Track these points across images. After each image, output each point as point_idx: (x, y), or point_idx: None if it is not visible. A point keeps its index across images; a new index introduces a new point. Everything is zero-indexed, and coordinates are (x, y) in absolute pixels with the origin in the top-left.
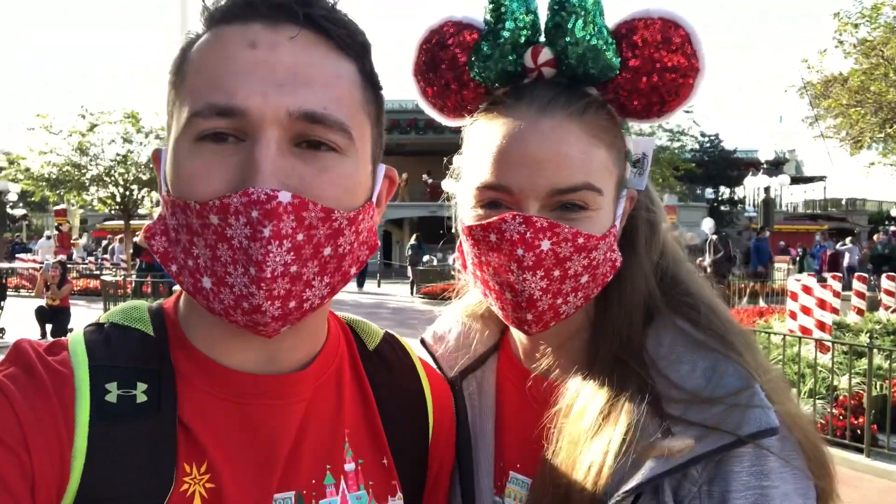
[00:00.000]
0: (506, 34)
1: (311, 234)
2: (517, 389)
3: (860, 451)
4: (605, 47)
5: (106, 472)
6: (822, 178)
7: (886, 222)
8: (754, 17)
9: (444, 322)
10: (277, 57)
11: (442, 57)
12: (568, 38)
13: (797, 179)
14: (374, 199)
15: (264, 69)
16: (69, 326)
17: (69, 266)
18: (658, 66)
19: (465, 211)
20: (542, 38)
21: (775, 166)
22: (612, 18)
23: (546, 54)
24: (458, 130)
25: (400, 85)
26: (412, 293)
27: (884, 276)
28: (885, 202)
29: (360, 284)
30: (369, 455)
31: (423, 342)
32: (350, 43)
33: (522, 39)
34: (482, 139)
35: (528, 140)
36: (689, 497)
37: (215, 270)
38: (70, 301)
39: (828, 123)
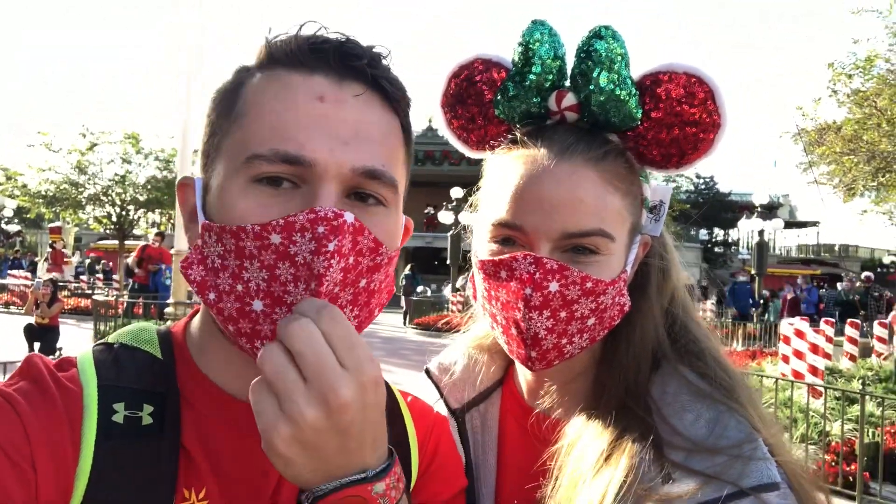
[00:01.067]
0: (532, 77)
1: (359, 261)
2: (519, 426)
3: (852, 498)
4: (627, 97)
5: (107, 492)
6: (815, 224)
7: (878, 269)
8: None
9: (451, 353)
10: (343, 114)
11: (469, 92)
12: (592, 86)
13: (791, 224)
14: (399, 246)
15: (331, 124)
16: (58, 346)
17: (60, 284)
18: (679, 120)
19: (480, 244)
20: (568, 83)
21: (769, 210)
22: (639, 69)
23: (570, 99)
24: (456, 163)
25: None
26: (405, 323)
27: (875, 323)
28: (878, 249)
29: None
30: None
31: (427, 372)
32: (400, 101)
33: (548, 83)
34: (501, 176)
35: (545, 183)
36: None
37: (271, 290)
38: (60, 320)
39: (821, 170)
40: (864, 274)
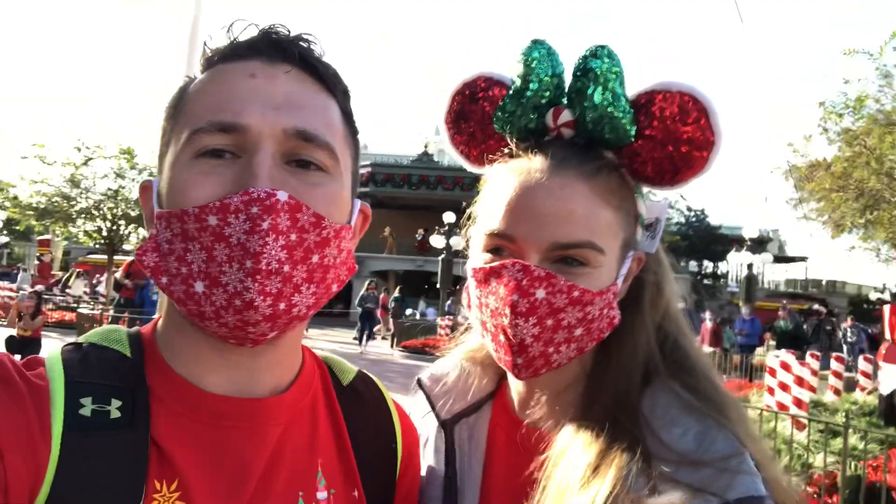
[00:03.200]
0: (529, 94)
1: (303, 238)
2: (508, 437)
3: None
4: (621, 115)
5: (76, 484)
6: (803, 259)
7: (865, 305)
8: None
9: (444, 364)
10: (274, 85)
11: (472, 109)
12: (587, 104)
13: (780, 259)
14: (352, 224)
15: (263, 94)
16: None
17: (45, 297)
18: (672, 138)
19: (474, 254)
20: (565, 101)
21: (759, 244)
22: (635, 87)
23: (566, 116)
24: (449, 188)
25: (395, 140)
26: (392, 346)
27: (861, 358)
28: (865, 286)
29: (366, 338)
30: (341, 486)
31: (419, 382)
32: (335, 83)
33: (544, 100)
34: (496, 189)
35: (537, 194)
36: None
37: (209, 272)
38: (42, 333)
39: (811, 206)
40: (815, 306)
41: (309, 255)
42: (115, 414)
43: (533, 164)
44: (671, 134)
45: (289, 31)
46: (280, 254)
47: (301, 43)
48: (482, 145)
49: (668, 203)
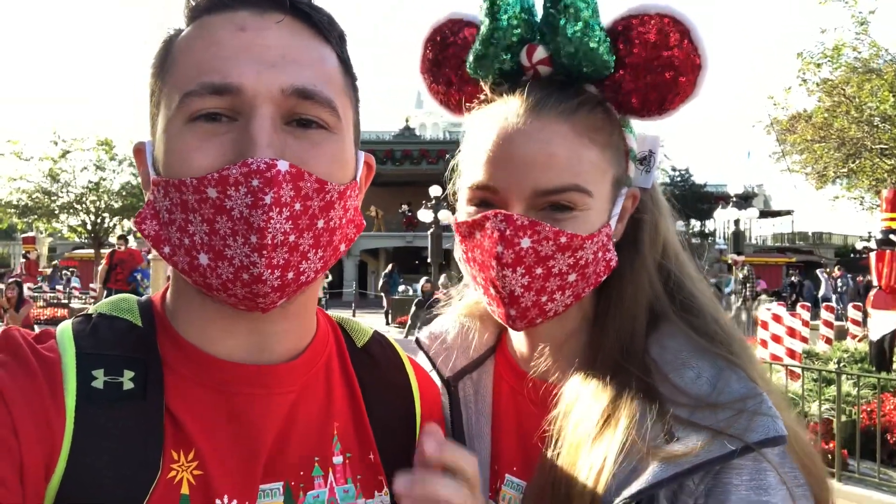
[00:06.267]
0: (499, 33)
1: (307, 205)
2: (514, 392)
3: (831, 475)
4: (597, 45)
5: (92, 457)
6: (789, 213)
7: (852, 254)
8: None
9: (442, 322)
10: (266, 39)
11: (446, 54)
12: (559, 37)
13: (765, 213)
14: (357, 179)
15: (255, 50)
16: None
17: (36, 294)
18: (655, 64)
19: (459, 208)
20: (538, 37)
21: (744, 200)
22: (610, 15)
23: (540, 53)
24: (433, 161)
25: (376, 116)
26: (387, 323)
27: (850, 306)
28: (851, 236)
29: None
30: (357, 450)
31: (418, 342)
32: (330, 30)
33: (515, 38)
34: (475, 138)
35: (516, 141)
36: None
37: (213, 245)
38: (35, 326)
39: (794, 158)
40: (732, 256)
41: (314, 222)
42: (129, 385)
43: (510, 108)
44: (653, 60)
45: None
46: (285, 225)
47: None
48: (460, 92)
49: (658, 136)
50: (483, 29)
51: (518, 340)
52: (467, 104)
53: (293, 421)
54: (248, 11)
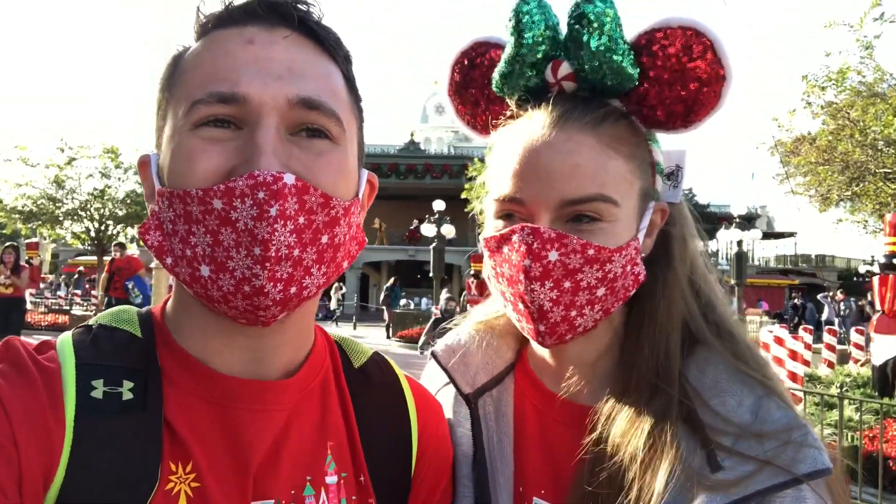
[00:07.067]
0: (524, 51)
1: (312, 220)
2: (538, 412)
3: None
4: (621, 59)
5: (91, 468)
6: (792, 234)
7: (854, 278)
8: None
9: (458, 335)
10: (273, 52)
11: (471, 76)
12: (584, 52)
13: (768, 235)
14: (360, 197)
15: (262, 62)
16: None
17: (37, 301)
18: (679, 76)
19: (487, 223)
20: (563, 53)
21: (747, 221)
22: (634, 29)
23: (565, 69)
24: (437, 176)
25: (381, 130)
26: (388, 336)
27: (853, 330)
28: (853, 259)
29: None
30: (351, 470)
31: (434, 356)
32: (337, 49)
33: (540, 55)
34: (501, 153)
35: (541, 152)
36: None
37: (215, 257)
38: (37, 336)
39: (797, 180)
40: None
41: (318, 237)
42: (128, 396)
43: (535, 122)
44: (677, 73)
45: None
46: (289, 239)
47: (300, 6)
48: (487, 111)
49: (685, 150)
50: (509, 47)
51: (544, 357)
52: (493, 122)
53: (286, 438)
54: (257, 26)
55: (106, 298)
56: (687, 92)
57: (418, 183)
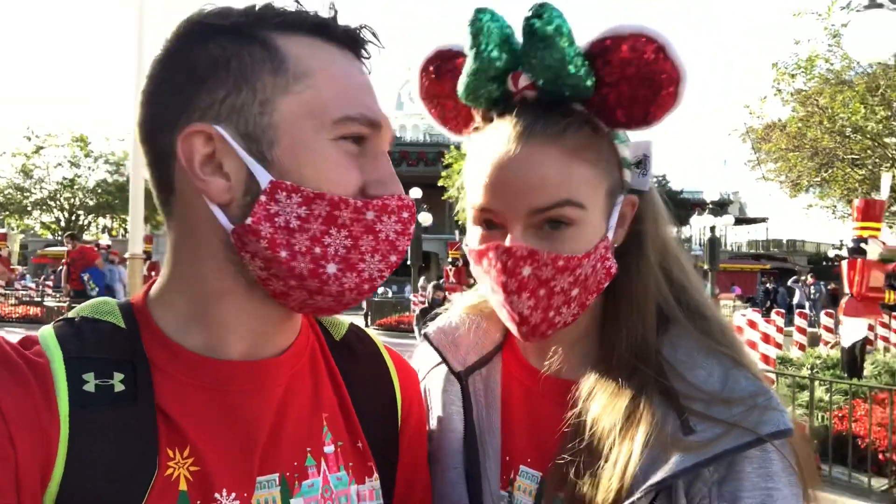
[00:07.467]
0: (483, 66)
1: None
2: (524, 387)
3: None
4: (575, 71)
5: (89, 462)
6: (764, 220)
7: (824, 262)
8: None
9: (450, 317)
10: (370, 82)
11: (439, 84)
12: (537, 67)
13: (741, 220)
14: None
15: (373, 92)
16: None
17: (8, 292)
18: (634, 80)
19: (469, 226)
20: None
21: (720, 207)
22: (589, 36)
23: (524, 80)
24: (413, 164)
25: None
26: (367, 324)
27: (822, 313)
28: (823, 244)
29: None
30: (346, 438)
31: (426, 336)
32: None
33: (500, 68)
34: (473, 162)
35: (507, 167)
36: (700, 496)
37: (348, 258)
38: (9, 329)
39: (769, 167)
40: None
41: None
42: (119, 387)
43: (501, 134)
44: (632, 77)
45: (368, 28)
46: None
47: (369, 42)
48: (458, 116)
49: (650, 141)
50: (468, 61)
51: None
52: (466, 126)
53: (284, 413)
54: (353, 52)
55: (69, 290)
56: (643, 95)
57: (409, 171)
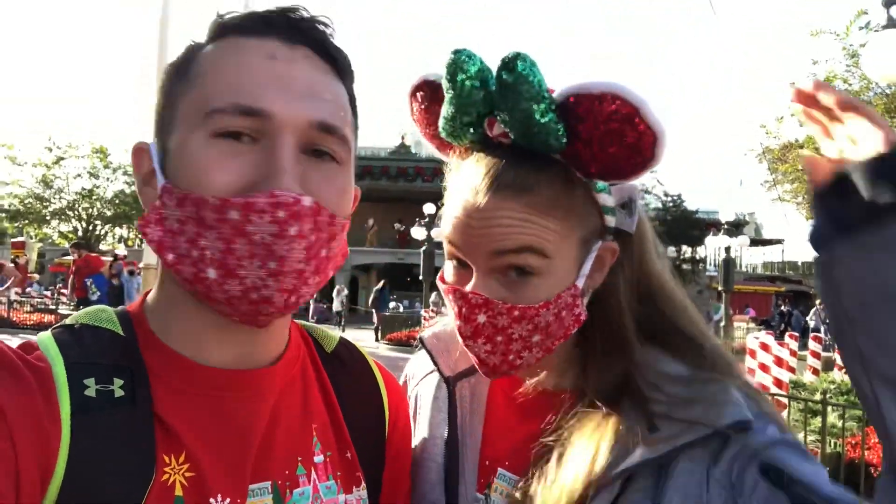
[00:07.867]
0: (459, 111)
1: (319, 237)
2: (506, 396)
3: None
4: (545, 123)
5: (89, 465)
6: (779, 241)
7: None
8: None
9: (445, 325)
10: (295, 71)
11: (428, 112)
12: (507, 118)
13: (756, 241)
14: (349, 213)
15: (285, 80)
16: None
17: (23, 300)
18: (607, 139)
19: (445, 256)
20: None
21: (736, 227)
22: (565, 84)
23: (499, 127)
24: (429, 179)
25: (373, 132)
26: (377, 339)
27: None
28: None
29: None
30: (335, 448)
31: (422, 340)
32: (347, 70)
33: (475, 112)
34: (449, 193)
35: (473, 215)
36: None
37: (226, 263)
38: (22, 336)
39: (785, 188)
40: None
41: (320, 252)
42: (119, 393)
43: (473, 179)
44: (604, 136)
45: (306, 11)
46: (300, 255)
47: (319, 27)
48: (445, 142)
49: (635, 185)
50: (445, 104)
51: None
52: (451, 151)
53: (276, 422)
54: (278, 41)
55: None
56: (618, 154)
57: (409, 186)
